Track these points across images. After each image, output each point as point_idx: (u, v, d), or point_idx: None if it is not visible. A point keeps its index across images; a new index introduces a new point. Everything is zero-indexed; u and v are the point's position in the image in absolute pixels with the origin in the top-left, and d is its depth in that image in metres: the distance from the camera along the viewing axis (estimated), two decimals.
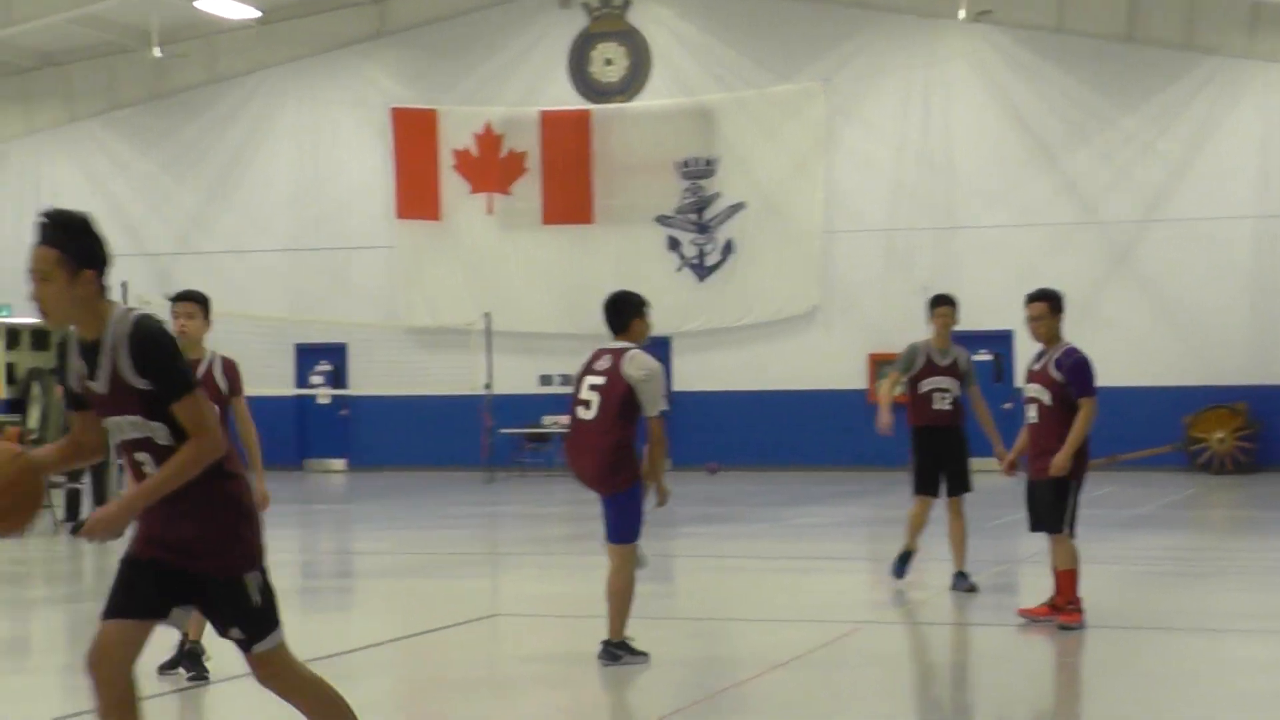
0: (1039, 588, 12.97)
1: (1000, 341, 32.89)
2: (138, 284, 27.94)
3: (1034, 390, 12.20)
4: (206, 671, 9.99)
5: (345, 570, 18.55)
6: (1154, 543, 19.18)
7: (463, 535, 21.39)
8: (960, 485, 14.02)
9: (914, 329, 32.79)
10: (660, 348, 34.78)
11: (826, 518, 22.97)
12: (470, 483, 31.57)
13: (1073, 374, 12.01)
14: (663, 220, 35.13)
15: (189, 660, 10.03)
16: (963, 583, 13.80)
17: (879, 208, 34.06)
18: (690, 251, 34.90)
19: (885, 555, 17.33)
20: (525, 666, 10.79)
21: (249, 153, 37.24)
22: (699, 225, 34.98)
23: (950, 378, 14.08)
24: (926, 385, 14.01)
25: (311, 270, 36.69)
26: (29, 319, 39.28)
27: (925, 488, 14.12)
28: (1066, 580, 11.94)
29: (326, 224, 36.80)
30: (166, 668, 10.09)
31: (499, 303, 34.92)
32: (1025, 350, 33.45)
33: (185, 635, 9.98)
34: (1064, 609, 11.90)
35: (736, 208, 34.72)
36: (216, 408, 9.08)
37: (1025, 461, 12.32)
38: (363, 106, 36.49)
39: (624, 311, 10.93)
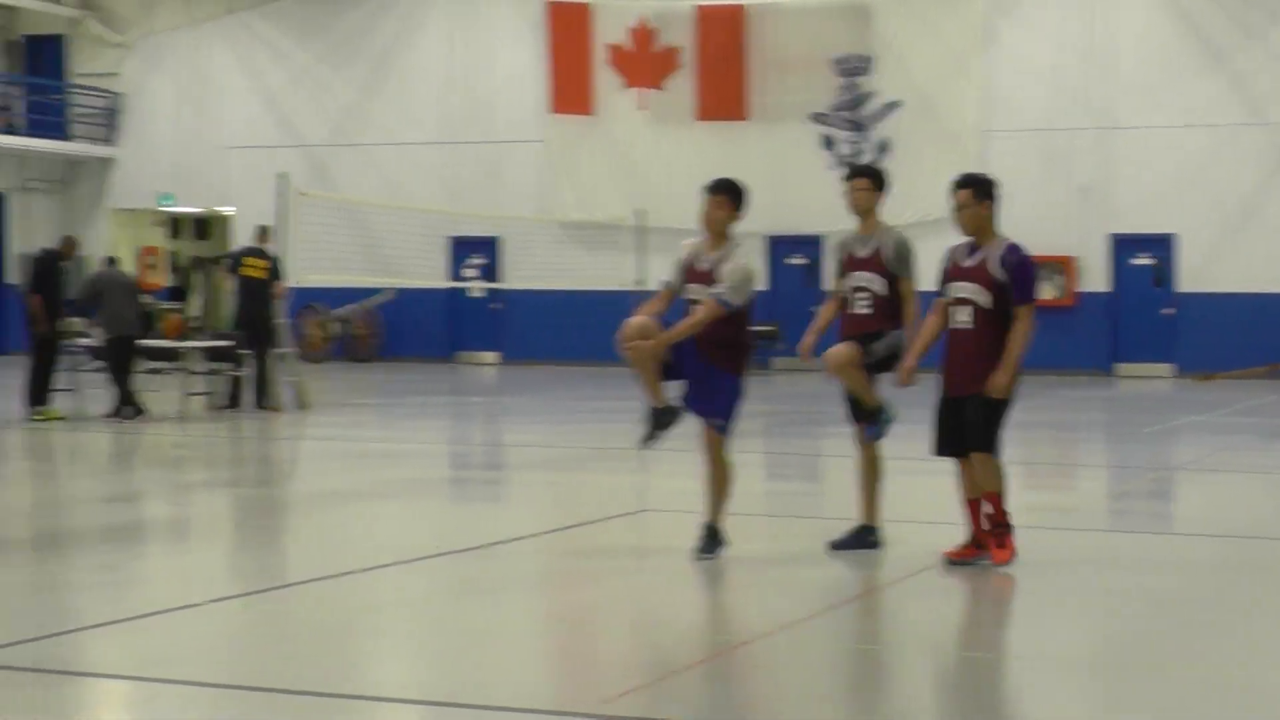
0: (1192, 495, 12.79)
1: (1161, 245, 32.41)
2: (294, 176, 28.16)
3: (968, 290, 10.43)
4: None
5: (495, 463, 18.71)
6: None
7: (611, 430, 21.48)
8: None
9: (1070, 231, 32.63)
10: (811, 246, 34.62)
11: None
12: (620, 378, 31.66)
13: (1019, 273, 10.36)
14: (817, 118, 34.84)
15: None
16: (848, 542, 11.14)
17: (1037, 107, 33.51)
18: (844, 150, 34.59)
19: (1043, 459, 17.20)
20: (671, 561, 10.83)
21: (403, 44, 37.37)
22: (853, 123, 34.66)
23: (870, 273, 11.07)
24: (847, 283, 11.16)
25: (465, 163, 36.83)
26: (191, 208, 39.94)
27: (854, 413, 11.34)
28: (997, 501, 10.58)
29: (479, 117, 36.88)
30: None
31: (650, 199, 34.88)
32: (1191, 253, 33.23)
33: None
34: (995, 536, 10.57)
35: (892, 106, 34.34)
36: None
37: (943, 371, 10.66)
38: None
39: None
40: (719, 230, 10.81)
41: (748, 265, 10.74)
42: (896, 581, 10.21)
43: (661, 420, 10.93)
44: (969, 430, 10.48)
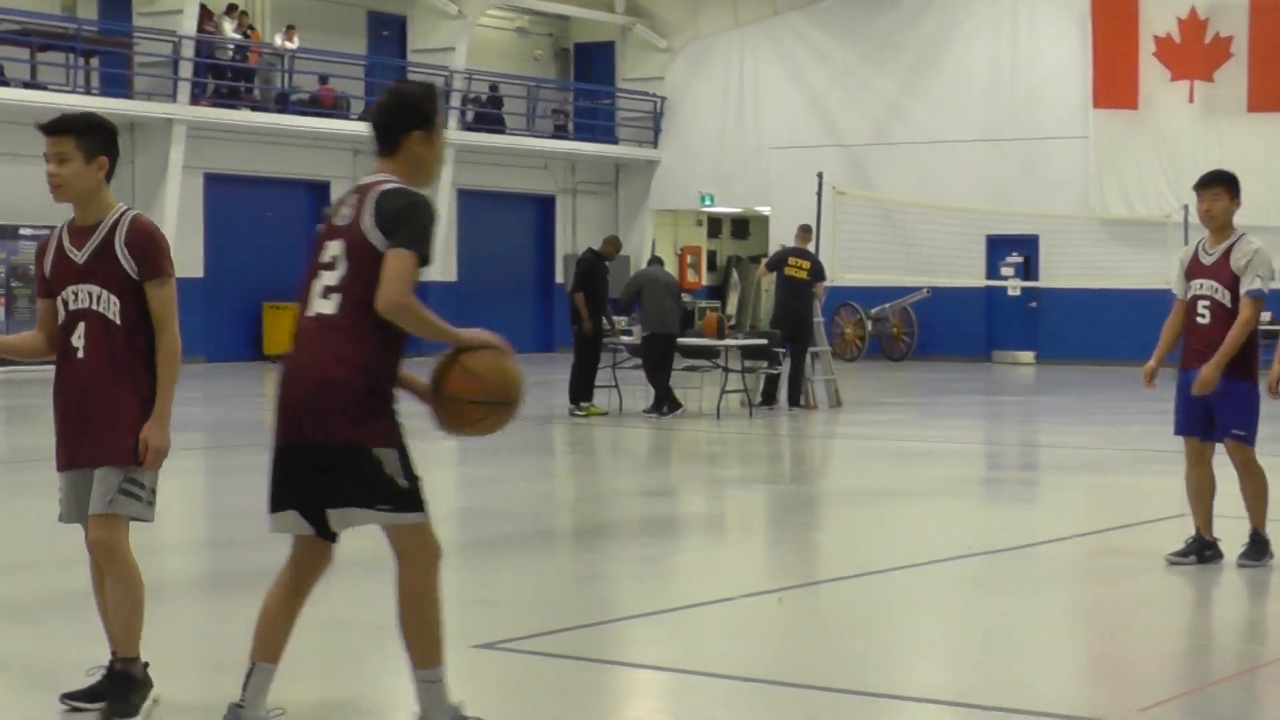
0: None
1: None
2: (832, 176, 28.36)
3: (1209, 288, 10.30)
4: None
5: (1029, 463, 18.46)
6: None
7: (1153, 431, 20.90)
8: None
9: None
10: None
11: None
12: (1166, 378, 30.79)
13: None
14: None
15: None
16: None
17: None
18: None
19: None
20: (1211, 568, 10.45)
21: (944, 42, 37.22)
22: None
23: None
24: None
25: (1004, 160, 36.42)
26: (730, 208, 40.83)
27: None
28: None
29: (1021, 113, 36.43)
30: None
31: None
32: None
33: None
34: None
35: None
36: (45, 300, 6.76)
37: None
38: None
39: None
40: (1221, 224, 10.42)
41: (1263, 248, 10.38)
42: None
43: (1205, 553, 10.53)
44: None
